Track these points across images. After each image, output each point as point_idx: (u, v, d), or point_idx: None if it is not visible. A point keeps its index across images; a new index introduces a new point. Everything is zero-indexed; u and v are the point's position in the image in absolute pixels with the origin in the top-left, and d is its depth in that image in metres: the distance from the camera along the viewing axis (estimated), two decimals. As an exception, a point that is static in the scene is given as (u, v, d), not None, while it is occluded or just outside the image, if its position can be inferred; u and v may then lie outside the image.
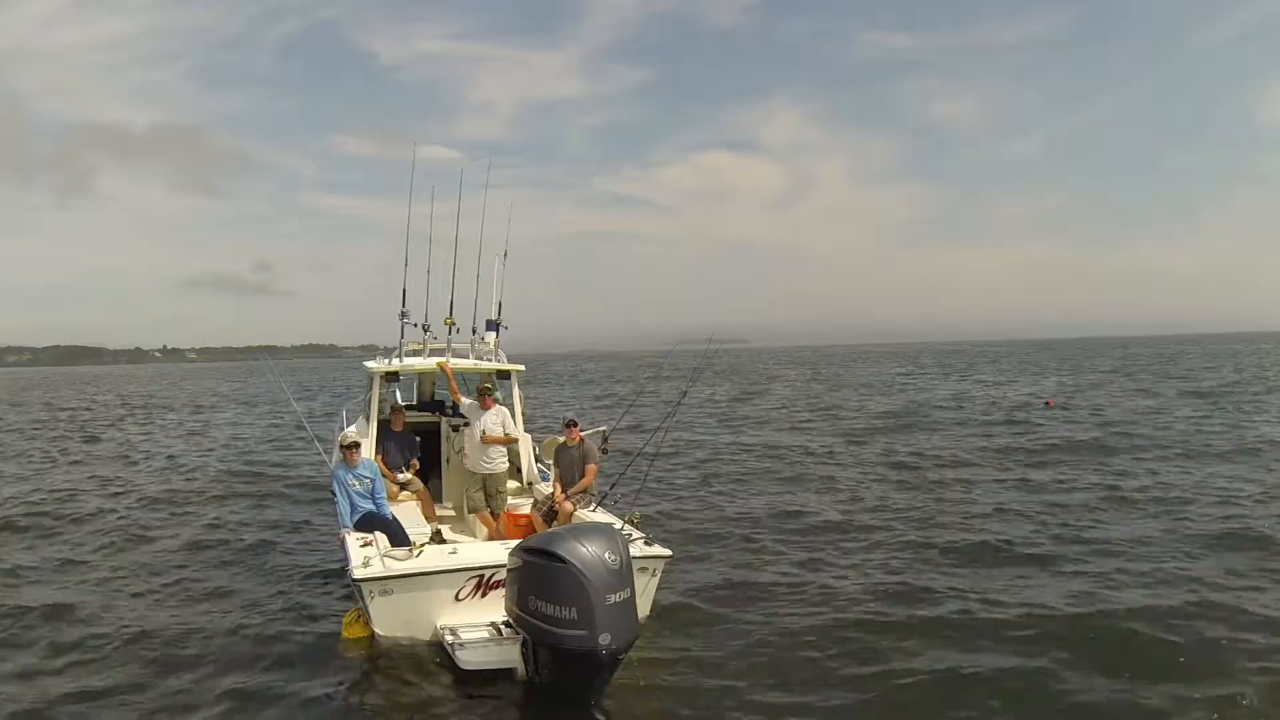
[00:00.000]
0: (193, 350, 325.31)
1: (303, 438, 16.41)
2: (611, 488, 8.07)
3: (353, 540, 6.71)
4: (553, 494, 8.03)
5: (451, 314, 8.84)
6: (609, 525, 6.07)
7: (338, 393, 36.70)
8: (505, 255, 9.42)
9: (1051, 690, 5.52)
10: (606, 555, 4.87)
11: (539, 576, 4.99)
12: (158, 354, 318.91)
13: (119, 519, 11.43)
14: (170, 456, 18.63)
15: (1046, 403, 25.70)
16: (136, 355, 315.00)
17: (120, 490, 13.91)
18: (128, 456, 19.00)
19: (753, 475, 14.27)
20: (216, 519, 11.30)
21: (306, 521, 10.99)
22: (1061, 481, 12.71)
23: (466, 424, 8.43)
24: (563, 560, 4.82)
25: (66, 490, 13.89)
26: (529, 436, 9.35)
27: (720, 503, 11.95)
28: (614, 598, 4.84)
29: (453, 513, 9.08)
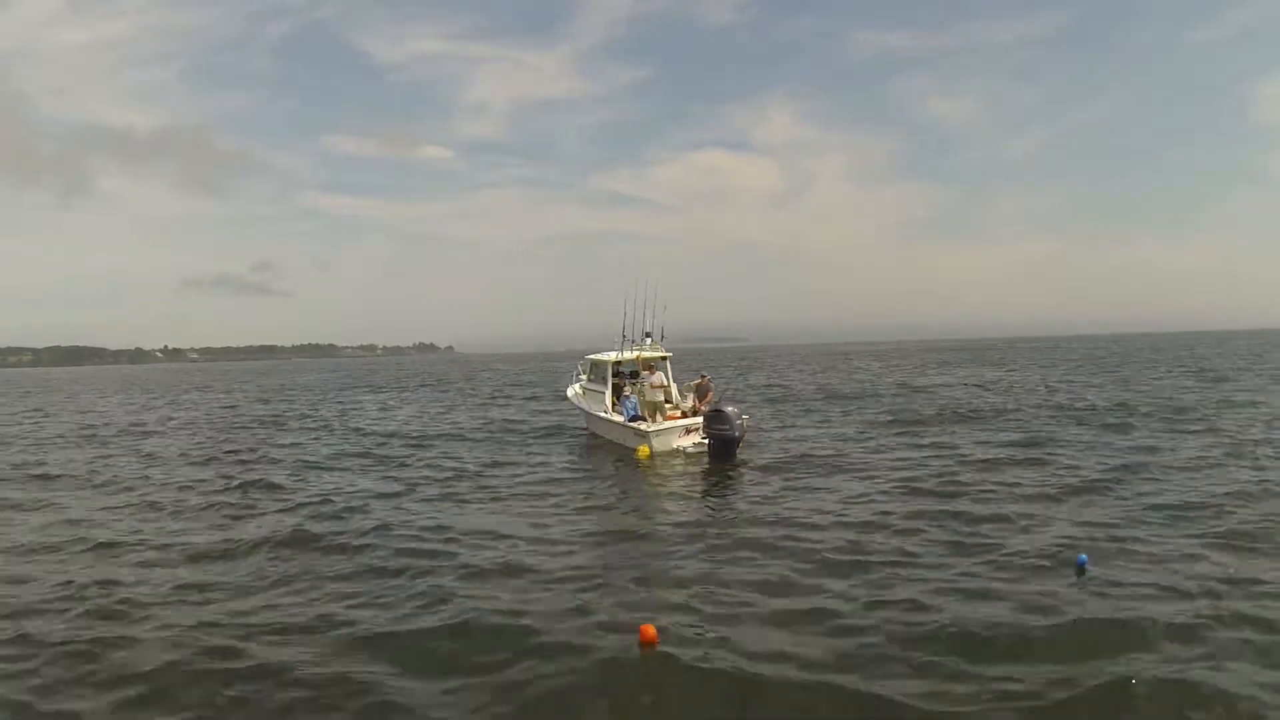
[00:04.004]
0: (194, 350, 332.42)
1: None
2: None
3: (636, 422, 17.19)
4: (693, 406, 18.60)
5: (646, 331, 19.37)
6: (733, 405, 16.82)
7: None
8: (665, 308, 19.76)
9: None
10: (734, 410, 15.64)
11: (715, 417, 15.68)
12: (159, 354, 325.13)
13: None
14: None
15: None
16: (138, 355, 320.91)
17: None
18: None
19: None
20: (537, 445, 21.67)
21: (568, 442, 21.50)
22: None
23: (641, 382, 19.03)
24: (722, 410, 15.58)
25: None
26: (675, 384, 19.76)
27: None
28: (739, 422, 15.55)
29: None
